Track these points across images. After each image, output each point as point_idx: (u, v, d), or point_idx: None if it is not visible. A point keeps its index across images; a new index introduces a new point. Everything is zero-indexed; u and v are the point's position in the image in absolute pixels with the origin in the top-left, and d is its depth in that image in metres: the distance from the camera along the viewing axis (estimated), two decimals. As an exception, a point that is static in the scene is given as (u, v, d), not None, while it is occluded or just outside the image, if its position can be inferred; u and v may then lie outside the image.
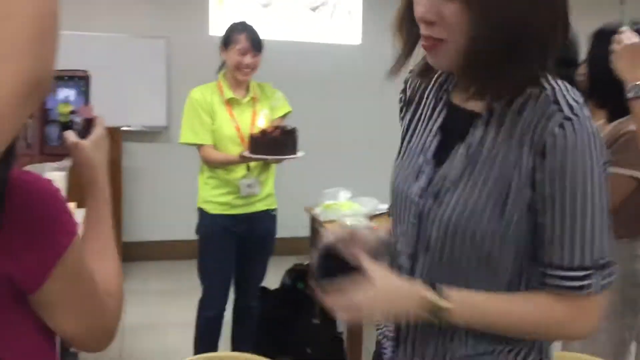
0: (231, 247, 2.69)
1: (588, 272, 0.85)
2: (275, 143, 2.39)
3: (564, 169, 0.82)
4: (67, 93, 1.07)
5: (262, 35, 4.86)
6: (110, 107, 4.42)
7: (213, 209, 2.66)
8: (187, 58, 4.62)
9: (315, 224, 3.13)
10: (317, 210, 2.96)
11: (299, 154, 2.50)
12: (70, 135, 1.00)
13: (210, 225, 2.66)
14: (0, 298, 0.72)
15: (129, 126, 4.48)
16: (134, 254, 4.55)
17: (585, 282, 0.85)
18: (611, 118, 1.83)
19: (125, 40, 4.58)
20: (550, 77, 0.86)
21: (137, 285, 4.20)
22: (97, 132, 1.03)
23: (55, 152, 1.05)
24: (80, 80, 1.08)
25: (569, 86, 0.86)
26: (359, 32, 5.08)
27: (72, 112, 1.06)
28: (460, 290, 0.87)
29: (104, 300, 0.85)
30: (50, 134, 1.06)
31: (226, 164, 2.59)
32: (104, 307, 0.85)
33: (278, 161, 2.59)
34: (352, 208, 2.85)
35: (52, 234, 0.73)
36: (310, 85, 5.02)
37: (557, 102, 0.83)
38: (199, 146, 2.61)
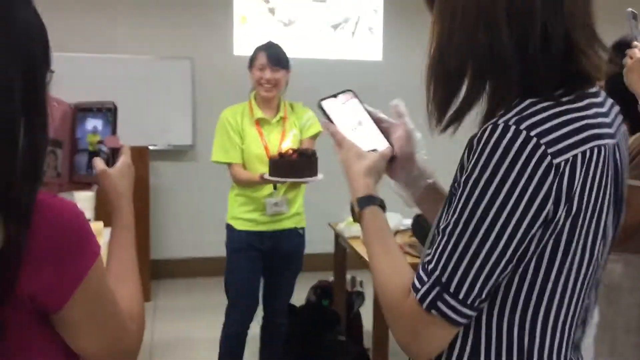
0: (257, 263, 2.72)
1: (429, 278, 0.79)
2: (292, 166, 2.41)
3: (471, 171, 0.77)
4: (95, 123, 1.12)
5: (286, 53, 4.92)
6: (137, 127, 4.58)
7: (240, 225, 2.70)
8: (212, 78, 4.70)
9: (340, 240, 3.14)
10: (341, 226, 2.98)
11: (319, 176, 2.49)
12: (99, 163, 1.05)
13: (237, 241, 2.70)
14: (24, 317, 0.75)
15: (155, 145, 4.56)
16: (162, 271, 4.62)
17: (418, 284, 0.80)
18: (632, 131, 1.82)
19: (151, 61, 4.69)
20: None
21: (166, 303, 4.25)
22: (123, 160, 1.08)
23: (83, 181, 1.10)
24: (107, 112, 1.13)
25: (539, 109, 0.78)
26: (380, 49, 5.11)
27: (100, 142, 1.10)
28: (377, 213, 0.93)
29: (126, 323, 0.87)
30: (79, 162, 1.11)
31: (250, 184, 2.64)
32: (126, 329, 0.87)
33: (296, 183, 2.60)
34: (376, 224, 2.85)
35: (75, 254, 0.76)
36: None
37: (507, 112, 0.78)
38: (229, 165, 2.66)
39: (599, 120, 0.81)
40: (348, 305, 3.34)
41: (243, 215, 2.69)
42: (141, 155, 4.21)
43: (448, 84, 0.86)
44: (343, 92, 1.07)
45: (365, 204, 0.94)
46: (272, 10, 4.88)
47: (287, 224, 2.72)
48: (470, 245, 0.76)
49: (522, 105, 0.78)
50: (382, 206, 0.95)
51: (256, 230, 2.68)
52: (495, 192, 0.74)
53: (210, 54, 4.72)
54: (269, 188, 2.65)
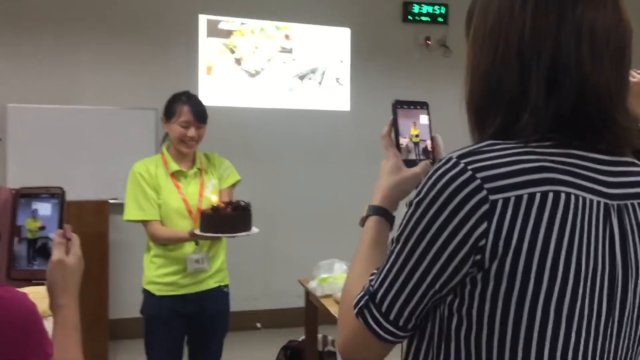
0: (181, 329, 2.55)
1: (366, 287, 0.83)
2: (227, 220, 2.29)
3: (415, 196, 0.80)
4: (37, 207, 1.01)
5: (252, 103, 4.86)
6: (100, 179, 4.42)
7: (159, 291, 2.52)
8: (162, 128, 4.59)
9: (311, 298, 3.01)
10: (313, 284, 2.86)
11: (254, 230, 2.38)
12: (57, 252, 0.95)
13: (157, 306, 2.51)
14: None
15: (116, 199, 4.39)
16: (121, 332, 4.37)
17: (359, 292, 0.83)
18: None
19: (115, 112, 4.57)
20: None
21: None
22: (76, 252, 0.97)
23: (23, 277, 0.98)
24: (53, 197, 1.02)
25: (494, 147, 0.77)
26: (347, 99, 5.10)
27: (42, 228, 0.99)
28: (379, 224, 0.96)
29: None
30: (19, 255, 0.98)
31: (175, 241, 2.46)
32: None
33: (231, 237, 2.44)
34: (348, 281, 2.74)
35: (26, 357, 0.66)
36: (303, 152, 5.01)
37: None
38: (145, 222, 2.48)
39: (578, 170, 0.76)
40: (320, 367, 3.18)
41: (162, 279, 2.51)
42: (101, 210, 4.04)
43: (478, 113, 0.85)
44: (420, 102, 1.07)
45: (374, 213, 0.97)
46: (238, 61, 4.84)
47: (211, 284, 2.56)
48: (395, 264, 0.79)
49: (482, 143, 0.78)
50: (390, 222, 0.97)
51: (178, 295, 2.50)
52: (422, 216, 0.76)
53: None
54: (190, 245, 2.49)
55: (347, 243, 4.82)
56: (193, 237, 2.36)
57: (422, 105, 1.06)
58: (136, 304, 4.74)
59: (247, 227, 2.35)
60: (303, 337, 3.24)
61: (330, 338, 3.38)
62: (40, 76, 4.40)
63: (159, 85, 4.62)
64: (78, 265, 0.98)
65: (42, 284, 0.98)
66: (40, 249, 1.01)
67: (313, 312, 3.08)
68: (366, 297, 0.82)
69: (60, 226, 1.02)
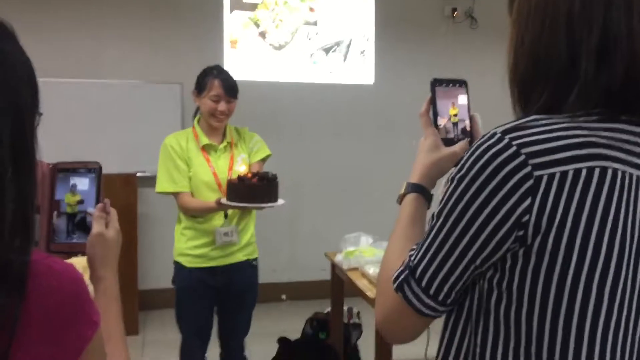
0: (210, 300, 2.60)
1: (406, 262, 0.83)
2: (253, 190, 2.31)
3: (457, 171, 0.79)
4: (75, 182, 1.03)
5: (276, 77, 4.87)
6: (126, 153, 4.47)
7: (189, 262, 2.55)
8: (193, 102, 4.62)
9: (337, 271, 3.04)
10: (339, 258, 2.88)
11: (279, 201, 2.40)
12: (97, 225, 0.97)
13: (187, 279, 2.56)
14: None
15: (144, 172, 4.45)
16: (150, 302, 4.47)
17: (399, 267, 0.84)
18: None
19: (141, 86, 4.60)
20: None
21: (154, 334, 4.11)
22: (115, 226, 0.99)
23: (63, 250, 1.00)
24: (91, 172, 1.04)
25: (539, 122, 0.77)
26: (372, 72, 5.06)
27: (80, 202, 1.01)
28: (417, 201, 0.95)
29: None
30: (59, 229, 1.01)
31: (203, 212, 2.49)
32: None
33: (257, 209, 2.48)
34: (374, 254, 2.76)
35: (73, 326, 0.67)
36: (327, 125, 5.00)
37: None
38: (176, 194, 2.51)
39: (626, 146, 0.75)
40: (345, 338, 3.22)
41: (192, 251, 2.54)
42: (129, 183, 4.11)
43: (522, 87, 0.84)
44: (459, 80, 1.05)
45: (412, 190, 0.97)
46: (262, 34, 4.82)
47: (239, 257, 2.59)
48: (436, 239, 0.79)
49: (527, 118, 0.77)
50: (428, 199, 0.98)
51: (207, 267, 2.54)
52: (464, 191, 0.76)
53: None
54: (219, 218, 2.52)
55: (372, 216, 4.86)
56: (220, 206, 2.39)
57: (461, 84, 1.05)
58: (164, 275, 4.83)
59: (272, 198, 2.37)
60: (328, 309, 3.28)
61: (355, 310, 3.42)
62: (65, 51, 4.44)
63: (184, 59, 4.63)
64: (117, 238, 1.00)
65: (80, 256, 1.01)
66: (79, 223, 1.04)
67: (339, 284, 3.10)
68: (406, 272, 0.82)
69: (98, 200, 1.04)
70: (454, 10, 5.10)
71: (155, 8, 4.63)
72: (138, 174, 4.31)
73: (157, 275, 4.60)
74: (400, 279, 0.83)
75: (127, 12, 4.59)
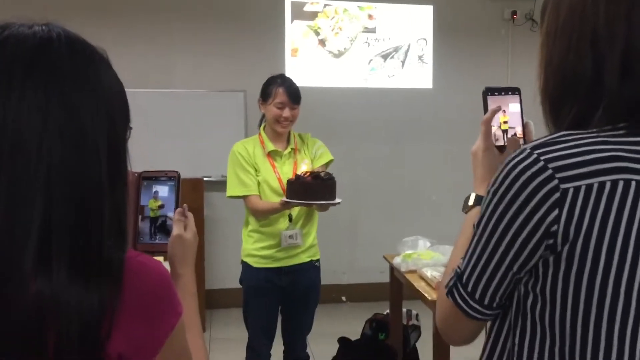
0: (275, 299, 2.72)
1: (456, 270, 0.90)
2: (309, 188, 2.40)
3: (491, 185, 0.85)
4: (157, 189, 1.15)
5: (336, 83, 4.97)
6: (193, 158, 4.67)
7: (256, 263, 2.68)
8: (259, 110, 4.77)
9: (395, 273, 3.11)
10: (398, 260, 2.94)
11: (337, 200, 2.49)
12: (177, 228, 1.08)
13: (255, 278, 2.69)
14: None
15: (209, 177, 4.64)
16: (216, 301, 4.66)
17: (452, 275, 0.91)
18: None
19: (205, 94, 4.80)
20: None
21: (220, 332, 4.28)
22: (193, 229, 1.10)
23: (147, 250, 1.12)
24: (171, 180, 1.16)
25: (565, 138, 0.81)
26: (430, 77, 5.09)
27: (161, 207, 1.13)
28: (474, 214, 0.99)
29: None
30: (143, 230, 1.13)
31: (270, 212, 2.60)
32: None
33: (320, 207, 2.57)
34: (432, 257, 2.82)
35: (162, 313, 0.77)
36: (386, 130, 5.06)
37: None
38: (246, 197, 2.64)
39: None
40: (404, 339, 3.28)
41: (259, 252, 2.68)
42: (196, 187, 4.29)
43: (552, 104, 0.89)
44: (511, 88, 1.08)
45: (478, 203, 1.00)
46: (322, 42, 4.94)
47: (303, 258, 2.71)
48: (477, 248, 0.86)
49: (556, 134, 0.82)
50: None
51: (273, 267, 2.67)
52: (497, 204, 0.82)
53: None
54: (284, 221, 2.64)
55: (428, 221, 4.89)
56: (283, 205, 2.51)
57: (514, 91, 1.07)
58: (229, 276, 5.03)
59: (328, 196, 2.46)
60: (387, 310, 3.34)
61: (414, 312, 3.47)
62: (135, 62, 4.66)
63: (247, 68, 4.81)
64: (194, 240, 1.11)
65: (162, 256, 1.14)
66: (160, 226, 1.16)
67: (398, 286, 3.17)
68: (455, 278, 0.90)
69: (177, 205, 1.16)
70: (514, 13, 5.06)
71: (220, 21, 4.82)
72: (205, 179, 4.50)
73: (222, 276, 4.79)
74: (450, 284, 0.90)
75: (193, 25, 4.79)
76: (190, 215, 1.14)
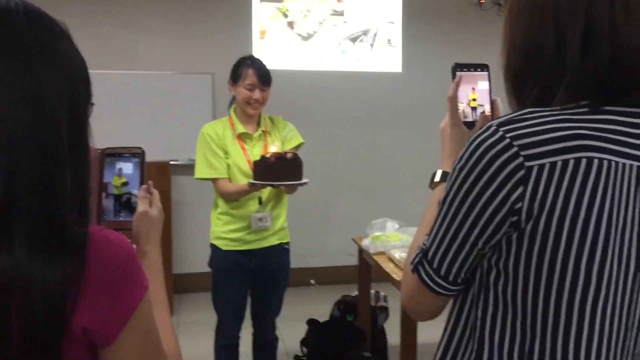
0: (244, 281, 2.72)
1: (421, 246, 0.92)
2: (274, 169, 2.41)
3: (457, 161, 0.86)
4: (120, 165, 1.14)
5: (304, 66, 4.94)
6: (159, 141, 4.61)
7: (225, 245, 2.67)
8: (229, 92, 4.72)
9: (364, 255, 3.13)
10: (366, 242, 2.97)
11: (304, 180, 2.49)
12: (141, 204, 1.07)
13: (223, 261, 2.68)
14: (78, 353, 0.74)
15: (176, 160, 4.59)
16: (184, 285, 4.64)
17: (417, 252, 0.92)
18: None
19: (172, 76, 4.73)
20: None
21: (188, 317, 4.26)
22: (158, 205, 1.09)
23: (111, 227, 1.11)
24: (135, 156, 1.14)
25: (531, 115, 0.82)
26: (399, 60, 5.10)
27: (125, 184, 1.12)
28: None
29: None
30: (107, 207, 1.12)
31: (239, 195, 2.59)
32: None
33: (287, 190, 2.56)
34: (400, 239, 2.85)
35: (127, 287, 0.76)
36: (354, 114, 5.07)
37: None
38: (214, 180, 2.62)
39: (612, 136, 0.80)
40: (372, 321, 3.32)
41: (228, 235, 2.67)
42: (163, 170, 4.25)
43: (515, 81, 0.89)
44: (480, 65, 1.08)
45: (444, 180, 1.01)
46: (290, 24, 4.90)
47: (273, 240, 2.70)
48: (442, 225, 0.87)
49: (521, 111, 0.83)
50: None
51: (242, 250, 2.66)
52: (463, 181, 0.83)
53: (230, 69, 4.74)
54: (254, 204, 2.63)
55: (398, 203, 4.93)
56: (251, 186, 2.49)
57: (483, 68, 1.07)
58: (197, 260, 5.00)
59: (294, 177, 2.46)
60: (356, 292, 3.38)
61: (382, 294, 3.51)
62: (100, 43, 4.57)
63: (215, 50, 4.74)
64: (159, 217, 1.10)
65: (127, 233, 1.12)
66: (124, 203, 1.15)
67: (366, 268, 3.20)
68: (420, 254, 0.91)
69: (142, 182, 1.14)
70: (481, -3, 5.10)
71: (187, 2, 4.74)
72: (171, 162, 4.45)
73: (190, 260, 4.76)
74: (415, 261, 0.91)
75: (159, 5, 4.71)
76: (155, 192, 1.13)
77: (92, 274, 0.72)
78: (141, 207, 1.07)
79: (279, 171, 2.42)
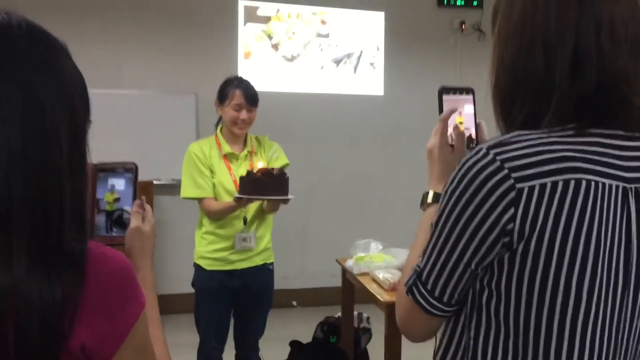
0: (228, 302, 2.71)
1: (415, 267, 0.92)
2: (260, 184, 2.42)
3: (449, 185, 0.87)
4: (114, 182, 1.13)
5: (289, 88, 4.97)
6: (142, 160, 4.56)
7: (209, 265, 2.67)
8: (216, 112, 4.73)
9: (347, 276, 3.13)
10: (350, 263, 2.97)
11: (289, 196, 2.50)
12: (134, 220, 1.06)
13: (207, 280, 2.67)
14: None
15: (159, 180, 4.57)
16: (165, 307, 4.53)
17: (411, 273, 0.93)
18: None
19: (156, 96, 4.73)
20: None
21: (170, 338, 4.17)
22: (151, 222, 1.09)
23: (104, 243, 1.11)
24: (128, 171, 1.14)
25: (520, 138, 0.83)
26: (381, 84, 5.17)
27: (117, 200, 1.11)
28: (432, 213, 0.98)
29: None
30: (99, 223, 1.11)
31: (225, 212, 2.58)
32: None
33: (272, 206, 2.58)
34: (384, 260, 2.86)
35: (125, 303, 0.76)
36: (337, 135, 5.10)
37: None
38: (200, 200, 2.63)
39: (598, 158, 0.82)
40: (355, 342, 3.31)
41: (212, 254, 2.66)
42: (146, 190, 4.22)
43: (503, 103, 0.91)
44: (466, 89, 1.08)
45: (436, 201, 1.01)
46: (275, 46, 4.95)
47: (257, 261, 2.70)
48: (435, 247, 0.88)
49: (510, 134, 0.84)
50: None
51: (226, 270, 2.65)
52: (455, 203, 0.84)
53: (215, 89, 4.73)
54: (239, 223, 2.63)
55: (379, 223, 4.95)
56: (237, 201, 2.49)
57: (468, 92, 1.08)
58: (179, 281, 4.95)
59: (279, 192, 2.47)
60: (339, 314, 3.37)
61: (365, 315, 3.50)
62: (86, 62, 4.56)
63: (199, 70, 4.76)
64: (152, 232, 1.10)
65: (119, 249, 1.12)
66: (116, 219, 1.14)
67: (349, 289, 3.20)
68: (414, 276, 0.91)
69: (134, 198, 1.14)
70: (462, 23, 5.21)
71: (172, 22, 4.76)
72: (155, 182, 4.43)
73: (172, 281, 4.72)
74: (409, 282, 0.92)
75: (145, 25, 4.72)
76: (148, 207, 1.12)
77: (91, 290, 0.72)
78: (134, 222, 1.07)
79: (265, 186, 2.42)
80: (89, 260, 0.73)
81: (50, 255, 0.70)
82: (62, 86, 0.76)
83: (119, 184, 1.15)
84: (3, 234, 0.68)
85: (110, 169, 1.14)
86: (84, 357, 0.73)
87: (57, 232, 0.71)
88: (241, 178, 2.49)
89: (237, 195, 2.48)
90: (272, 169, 2.51)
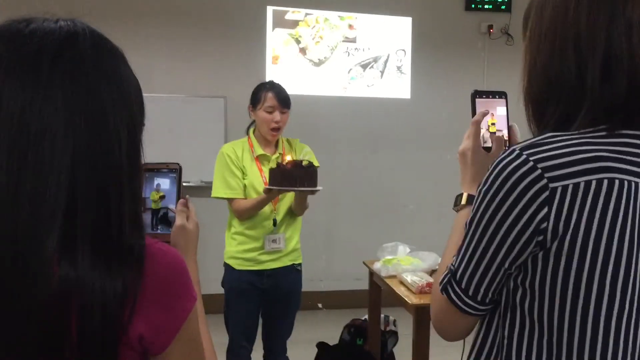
0: (257, 302, 2.74)
1: (450, 267, 0.94)
2: (289, 175, 2.45)
3: (482, 185, 0.89)
4: (159, 181, 1.17)
5: (316, 92, 5.00)
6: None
7: (238, 265, 2.71)
8: (244, 116, 4.75)
9: (374, 278, 3.15)
10: (377, 265, 2.99)
11: (318, 187, 2.53)
12: (179, 218, 1.10)
13: (237, 280, 2.71)
14: (131, 359, 0.77)
15: (188, 182, 4.64)
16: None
17: (446, 273, 0.94)
18: None
19: (185, 100, 4.80)
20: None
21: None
22: (195, 220, 1.13)
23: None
24: (172, 172, 1.18)
25: (552, 139, 0.85)
26: (408, 87, 5.18)
27: (162, 198, 1.15)
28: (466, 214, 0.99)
29: None
30: (145, 221, 1.15)
31: (256, 207, 2.61)
32: None
33: (300, 199, 2.61)
34: (411, 263, 2.87)
35: (179, 297, 0.80)
36: (363, 138, 5.12)
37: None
38: (231, 200, 2.66)
39: (630, 158, 0.84)
40: (382, 345, 3.32)
41: (242, 254, 2.70)
42: (175, 192, 4.29)
43: (536, 106, 0.93)
44: (499, 92, 1.11)
45: (470, 203, 1.02)
46: (303, 50, 4.99)
47: (285, 261, 2.73)
48: (470, 246, 0.89)
49: (542, 136, 0.86)
50: None
51: (255, 270, 2.69)
52: (489, 203, 0.86)
53: (243, 93, 4.79)
54: (269, 225, 2.67)
55: (404, 228, 4.94)
56: (267, 192, 2.52)
57: (501, 95, 1.10)
58: (208, 281, 4.98)
59: (309, 184, 2.50)
60: (366, 316, 3.39)
61: (391, 318, 3.51)
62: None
63: (228, 75, 4.83)
64: (196, 230, 1.12)
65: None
66: (161, 217, 1.18)
67: (376, 292, 3.21)
68: (449, 275, 0.93)
69: (179, 197, 1.18)
70: (490, 27, 5.19)
71: (202, 28, 4.84)
72: (184, 184, 4.49)
73: (201, 282, 4.76)
74: (444, 281, 0.93)
75: (173, 30, 4.81)
76: (192, 206, 1.15)
77: (149, 284, 0.76)
78: (179, 220, 1.10)
79: (294, 177, 2.46)
80: (147, 255, 0.77)
81: (111, 250, 0.74)
82: (122, 92, 0.80)
83: (164, 183, 1.19)
84: (69, 231, 0.72)
85: (156, 169, 1.18)
86: (141, 348, 0.77)
87: (117, 228, 0.75)
88: (271, 170, 2.52)
89: (267, 186, 2.51)
90: (301, 160, 2.54)
